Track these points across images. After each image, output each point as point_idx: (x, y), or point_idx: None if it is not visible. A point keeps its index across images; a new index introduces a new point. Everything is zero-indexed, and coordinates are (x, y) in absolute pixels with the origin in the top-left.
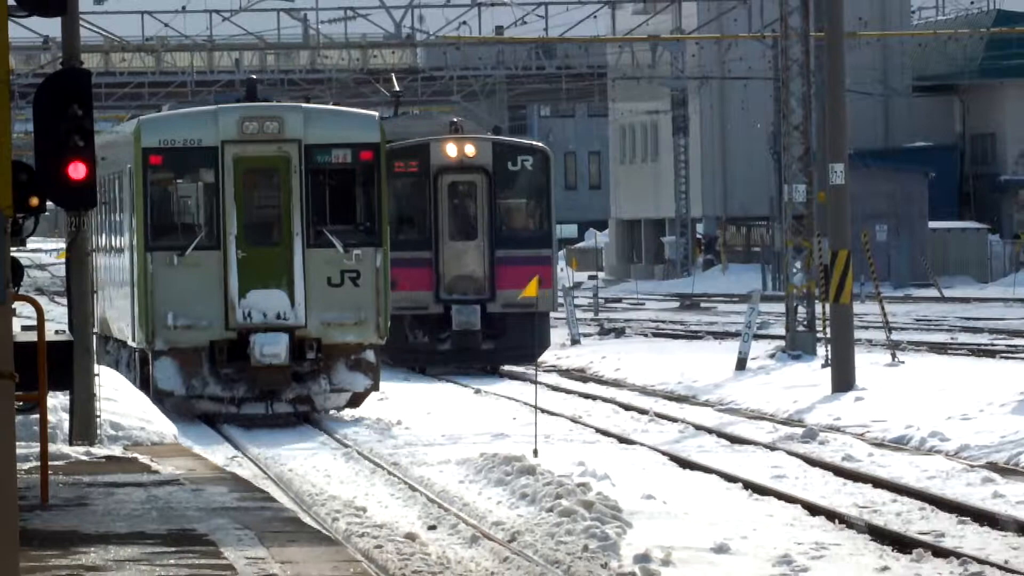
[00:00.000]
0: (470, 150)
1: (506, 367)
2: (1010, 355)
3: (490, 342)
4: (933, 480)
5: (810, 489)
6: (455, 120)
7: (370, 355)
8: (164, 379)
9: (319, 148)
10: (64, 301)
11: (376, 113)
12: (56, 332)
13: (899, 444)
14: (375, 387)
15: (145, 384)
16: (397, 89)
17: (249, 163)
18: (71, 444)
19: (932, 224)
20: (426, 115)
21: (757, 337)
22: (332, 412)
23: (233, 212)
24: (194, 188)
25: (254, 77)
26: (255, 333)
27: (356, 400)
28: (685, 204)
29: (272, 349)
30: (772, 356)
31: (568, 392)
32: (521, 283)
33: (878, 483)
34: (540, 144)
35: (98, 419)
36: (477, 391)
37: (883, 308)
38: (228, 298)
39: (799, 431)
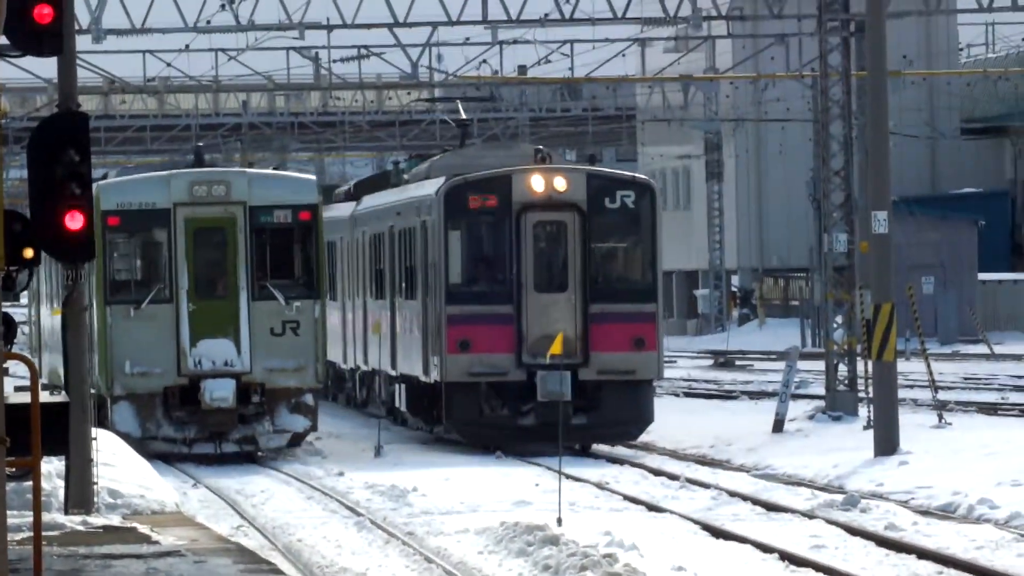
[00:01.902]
0: (560, 183)
1: (600, 447)
2: None
3: (582, 416)
4: (981, 551)
5: (850, 560)
6: (540, 148)
7: (309, 398)
8: (122, 422)
9: (262, 209)
10: None
11: (313, 177)
12: (51, 393)
13: (946, 512)
14: (313, 427)
15: (99, 427)
16: (463, 117)
17: (199, 223)
18: (66, 513)
19: (982, 276)
20: (502, 144)
21: (795, 397)
22: (325, 472)
23: (184, 268)
24: (149, 246)
25: (200, 145)
26: (205, 379)
27: (296, 439)
28: (719, 255)
29: (220, 393)
30: (811, 417)
31: (594, 456)
32: (621, 344)
33: (923, 554)
34: (643, 177)
35: (95, 486)
36: (498, 455)
37: (929, 366)
38: (180, 347)
39: (839, 498)
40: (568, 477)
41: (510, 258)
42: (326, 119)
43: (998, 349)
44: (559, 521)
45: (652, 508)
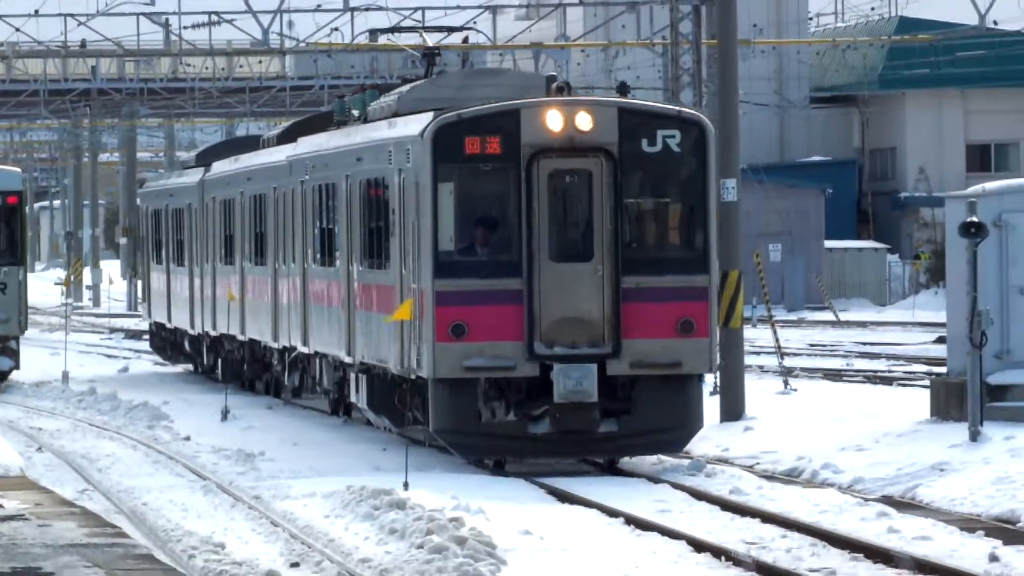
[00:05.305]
0: (584, 121)
1: (632, 460)
2: (908, 382)
3: (611, 421)
4: (825, 515)
5: (696, 524)
6: (554, 75)
7: (13, 344)
8: None
9: None
10: None
11: (19, 169)
12: None
13: (790, 476)
14: (16, 367)
15: None
16: (430, 44)
17: None
18: None
19: (828, 244)
20: (488, 71)
21: None
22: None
23: None
24: None
25: None
26: None
27: (2, 376)
28: None
29: None
30: None
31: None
32: (663, 329)
33: (767, 518)
34: (692, 112)
35: None
36: (345, 419)
37: (775, 333)
38: None
39: (685, 463)
40: (415, 442)
41: (518, 218)
42: (176, 85)
43: (843, 316)
44: (406, 485)
45: (498, 472)
